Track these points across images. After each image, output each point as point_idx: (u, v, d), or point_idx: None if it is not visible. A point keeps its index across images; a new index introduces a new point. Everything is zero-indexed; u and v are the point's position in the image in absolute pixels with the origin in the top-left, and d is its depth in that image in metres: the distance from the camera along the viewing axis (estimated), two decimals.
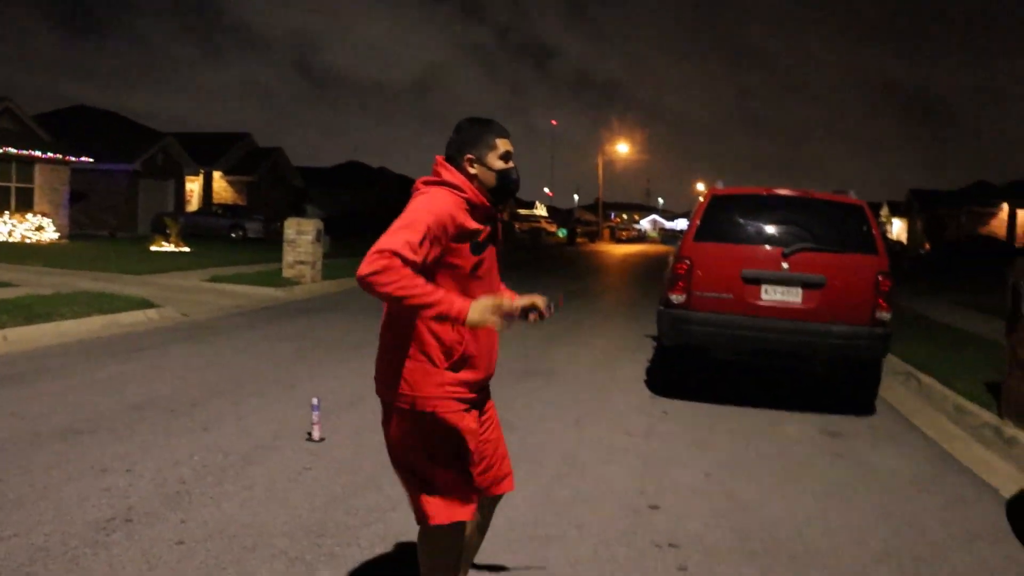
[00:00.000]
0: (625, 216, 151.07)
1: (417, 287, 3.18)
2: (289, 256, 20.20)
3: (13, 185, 32.20)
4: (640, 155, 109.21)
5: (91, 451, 6.36)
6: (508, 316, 3.39)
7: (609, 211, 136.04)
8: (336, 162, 76.86)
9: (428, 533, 3.60)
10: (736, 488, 6.35)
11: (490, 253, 3.62)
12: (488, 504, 3.84)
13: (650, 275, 30.87)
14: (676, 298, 9.12)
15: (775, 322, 8.89)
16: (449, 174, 3.54)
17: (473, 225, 3.48)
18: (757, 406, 9.17)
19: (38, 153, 32.96)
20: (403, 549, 4.85)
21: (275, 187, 55.89)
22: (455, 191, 3.49)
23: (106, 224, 40.81)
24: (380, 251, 3.16)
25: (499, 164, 3.59)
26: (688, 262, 9.09)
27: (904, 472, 7.04)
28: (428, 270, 3.35)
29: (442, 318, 3.25)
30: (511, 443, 7.10)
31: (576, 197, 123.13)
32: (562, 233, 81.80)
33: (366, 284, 3.17)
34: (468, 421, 3.54)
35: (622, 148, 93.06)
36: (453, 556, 3.65)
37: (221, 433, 7.04)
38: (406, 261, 3.18)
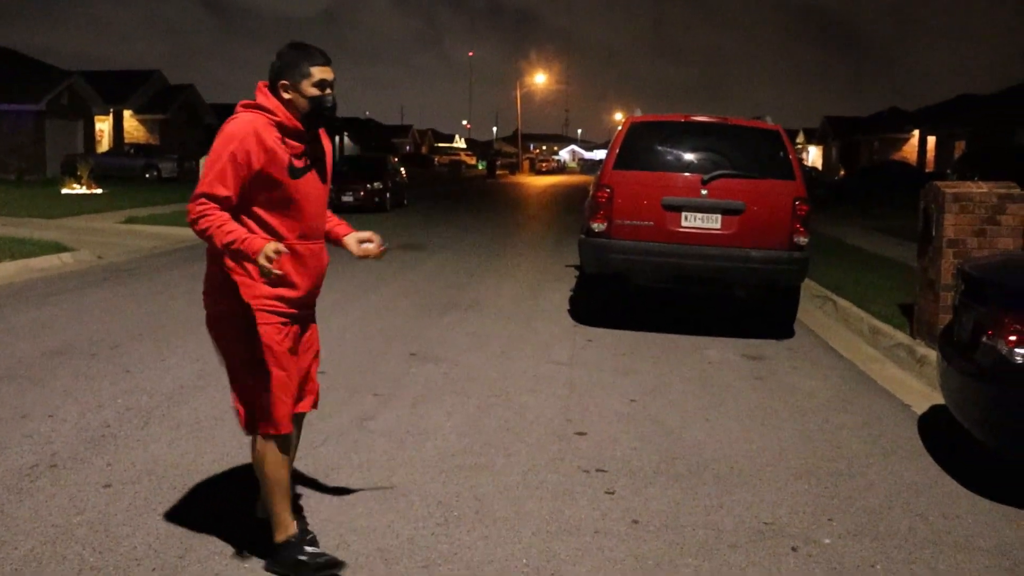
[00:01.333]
0: (544, 147, 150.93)
1: (222, 230, 3.50)
2: None
3: None
4: (558, 85, 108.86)
5: (10, 398, 6.24)
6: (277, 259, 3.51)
7: (528, 143, 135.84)
8: (249, 98, 75.33)
9: (262, 446, 3.79)
10: (660, 413, 6.47)
11: (312, 180, 3.78)
12: (295, 422, 3.97)
13: (571, 206, 30.95)
14: (597, 226, 9.17)
15: (695, 248, 8.99)
16: (263, 98, 3.72)
17: (285, 147, 3.66)
18: (679, 332, 9.31)
19: None
20: (335, 482, 4.87)
21: (189, 125, 54.53)
22: (267, 114, 3.66)
23: (12, 167, 39.48)
24: (196, 197, 3.54)
25: (312, 91, 3.72)
26: (608, 190, 9.13)
27: (822, 393, 7.24)
28: (246, 198, 3.62)
29: (242, 255, 3.51)
30: (435, 375, 7.18)
31: (495, 129, 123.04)
32: (482, 166, 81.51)
33: (192, 229, 3.58)
34: (279, 334, 3.74)
35: (540, 79, 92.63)
36: (286, 469, 3.85)
37: (144, 375, 6.95)
38: (219, 199, 3.54)
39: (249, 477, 4.88)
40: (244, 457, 5.19)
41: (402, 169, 31.05)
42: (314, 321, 4.01)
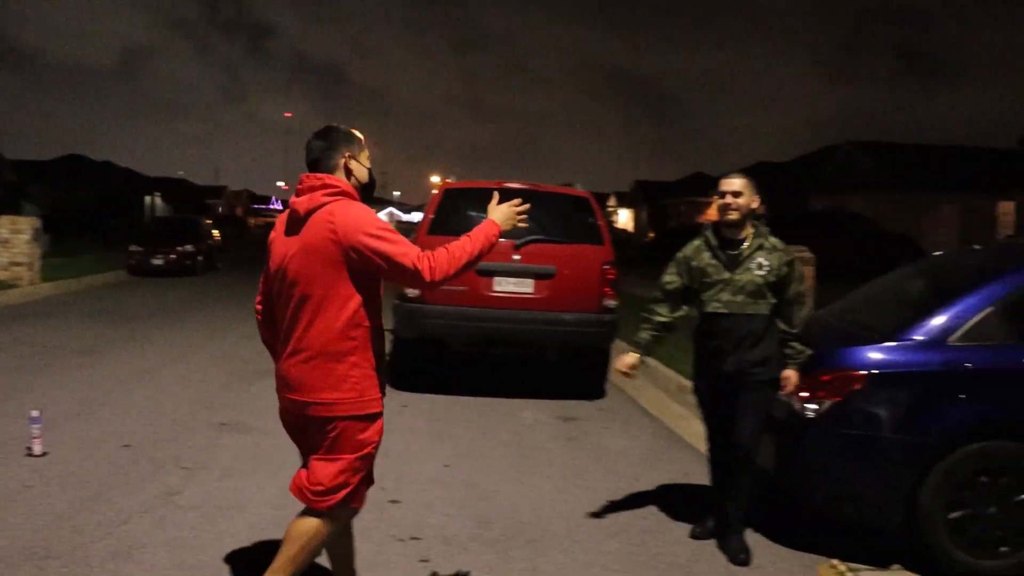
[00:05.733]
0: None
1: (461, 249, 3.73)
2: (3, 257, 18.80)
3: None
4: (373, 146, 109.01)
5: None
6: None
7: None
8: (54, 155, 72.28)
9: (331, 516, 3.83)
10: (475, 477, 6.50)
11: None
12: None
13: None
14: (411, 291, 9.19)
15: (509, 312, 9.12)
16: (343, 184, 3.74)
17: None
18: (494, 395, 9.41)
19: None
20: (138, 562, 4.68)
21: None
22: (351, 199, 3.73)
23: None
24: (420, 257, 3.61)
25: (368, 163, 3.88)
26: None
27: (633, 452, 7.42)
28: (361, 273, 3.66)
29: (492, 246, 3.87)
30: (247, 445, 6.98)
31: None
32: None
33: (441, 281, 3.66)
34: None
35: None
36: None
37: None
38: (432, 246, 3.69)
39: (43, 564, 4.65)
40: (39, 542, 4.95)
41: (215, 232, 30.34)
42: None
